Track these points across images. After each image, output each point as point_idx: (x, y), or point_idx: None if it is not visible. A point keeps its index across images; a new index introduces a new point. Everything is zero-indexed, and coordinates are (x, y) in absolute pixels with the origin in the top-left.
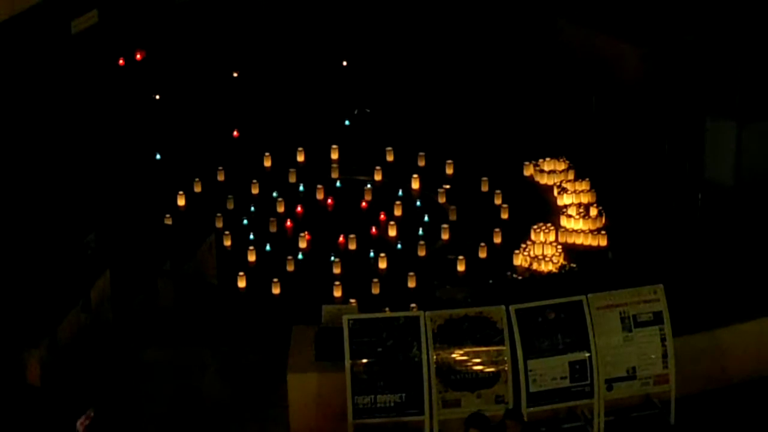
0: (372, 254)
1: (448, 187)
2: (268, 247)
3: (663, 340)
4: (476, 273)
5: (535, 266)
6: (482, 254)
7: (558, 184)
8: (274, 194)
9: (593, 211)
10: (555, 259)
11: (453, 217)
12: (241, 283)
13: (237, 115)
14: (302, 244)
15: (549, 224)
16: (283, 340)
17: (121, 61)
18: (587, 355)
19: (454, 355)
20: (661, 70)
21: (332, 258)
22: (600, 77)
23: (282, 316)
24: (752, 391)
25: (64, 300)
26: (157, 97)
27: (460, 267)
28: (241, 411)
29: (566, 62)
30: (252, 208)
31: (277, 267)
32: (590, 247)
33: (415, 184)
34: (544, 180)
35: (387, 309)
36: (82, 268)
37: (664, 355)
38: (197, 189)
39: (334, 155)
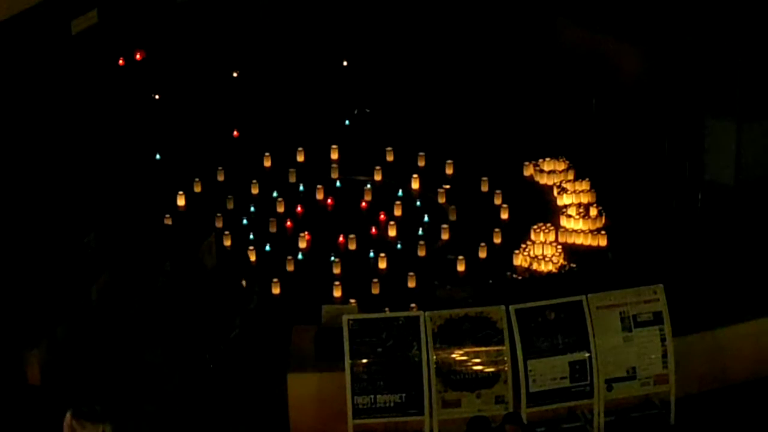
0: (372, 254)
1: (448, 187)
2: (268, 247)
3: (663, 340)
4: (476, 273)
5: (535, 266)
6: (482, 254)
7: (558, 184)
8: (274, 194)
9: (593, 211)
10: (555, 259)
11: (453, 217)
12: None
13: (237, 115)
14: (302, 244)
15: (549, 224)
16: (283, 340)
17: (121, 61)
18: (587, 355)
19: (454, 355)
20: (661, 69)
21: (332, 258)
22: (600, 77)
23: (282, 316)
24: (752, 391)
25: (64, 300)
26: (157, 97)
27: (460, 267)
28: (241, 411)
29: (566, 62)
30: (252, 208)
31: (277, 267)
32: (590, 247)
33: (415, 184)
34: (544, 180)
35: (387, 309)
36: (82, 268)
37: (664, 355)
38: (197, 189)
39: (334, 155)
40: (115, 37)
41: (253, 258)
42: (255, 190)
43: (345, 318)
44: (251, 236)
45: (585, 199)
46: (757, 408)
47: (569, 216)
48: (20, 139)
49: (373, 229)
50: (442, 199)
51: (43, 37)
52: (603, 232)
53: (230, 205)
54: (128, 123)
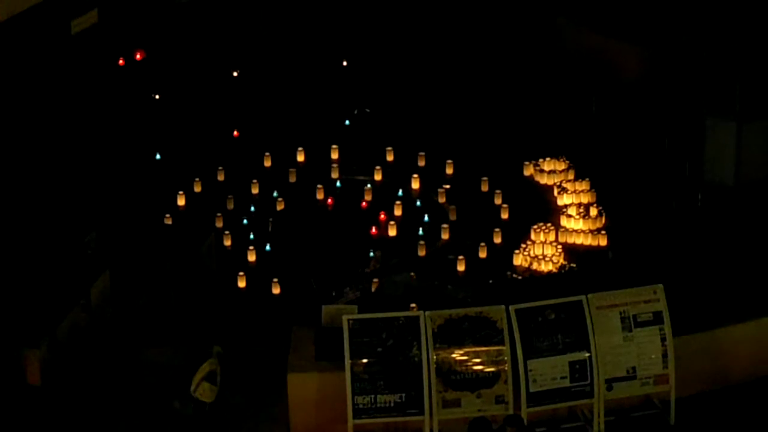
0: (372, 254)
1: (448, 187)
2: (268, 247)
3: (663, 340)
4: (476, 273)
5: (535, 266)
6: (482, 254)
7: (558, 184)
8: (275, 194)
9: (593, 211)
10: (555, 259)
11: (453, 217)
12: (241, 283)
13: (237, 115)
14: None
15: (549, 224)
16: (283, 340)
17: (121, 61)
18: (587, 355)
19: (454, 355)
20: (661, 70)
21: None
22: (600, 77)
23: (282, 316)
24: (752, 391)
25: (64, 300)
26: (157, 97)
27: (460, 267)
28: (241, 411)
29: (566, 62)
30: (252, 208)
31: (277, 267)
32: (590, 247)
33: (415, 184)
34: (544, 180)
35: None
36: (82, 268)
37: (664, 355)
38: (197, 189)
39: (334, 155)
40: (115, 37)
41: (252, 258)
42: (255, 190)
43: (345, 318)
44: (251, 236)
45: (585, 199)
46: (757, 408)
47: (569, 216)
48: (20, 139)
49: (373, 229)
50: (442, 199)
51: (43, 37)
52: (603, 232)
53: (230, 205)
54: (128, 123)
